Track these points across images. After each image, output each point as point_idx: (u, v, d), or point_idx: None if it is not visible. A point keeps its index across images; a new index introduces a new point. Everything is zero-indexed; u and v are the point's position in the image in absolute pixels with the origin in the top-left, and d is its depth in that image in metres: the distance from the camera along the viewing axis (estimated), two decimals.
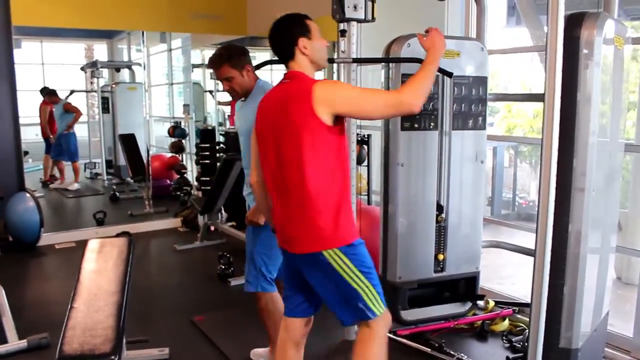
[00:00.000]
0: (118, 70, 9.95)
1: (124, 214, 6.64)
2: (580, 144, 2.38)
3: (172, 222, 6.40)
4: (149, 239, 5.94)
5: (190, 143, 7.43)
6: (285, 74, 2.23)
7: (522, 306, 3.60)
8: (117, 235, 4.75)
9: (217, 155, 6.28)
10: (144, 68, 7.26)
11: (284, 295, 2.41)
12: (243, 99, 2.80)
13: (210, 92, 9.18)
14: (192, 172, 7.13)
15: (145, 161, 7.06)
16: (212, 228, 5.87)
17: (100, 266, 2.79)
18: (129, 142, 7.44)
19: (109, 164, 9.11)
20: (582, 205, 2.41)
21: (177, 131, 7.30)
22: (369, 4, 2.86)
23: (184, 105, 7.37)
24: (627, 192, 5.10)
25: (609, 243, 2.84)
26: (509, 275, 5.31)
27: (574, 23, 2.31)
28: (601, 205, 2.58)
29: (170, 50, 8.42)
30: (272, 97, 2.22)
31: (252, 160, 2.36)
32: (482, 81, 3.32)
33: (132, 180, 7.81)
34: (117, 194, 7.63)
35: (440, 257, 3.35)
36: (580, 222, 2.43)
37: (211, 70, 2.84)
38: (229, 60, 2.69)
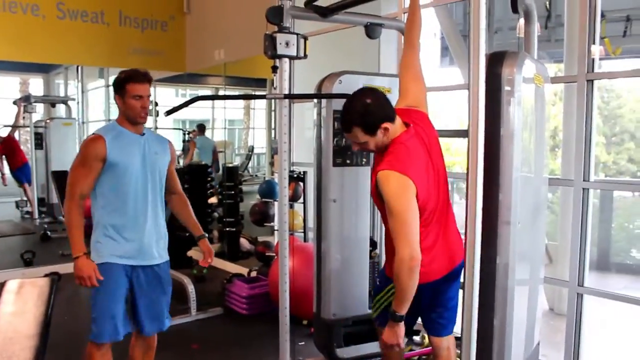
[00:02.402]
0: (54, 105, 9.68)
1: (55, 254, 6.32)
2: (505, 178, 2.43)
3: None
4: None
5: None
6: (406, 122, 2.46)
7: (457, 340, 3.60)
8: (45, 276, 4.53)
9: None
10: (78, 103, 7.08)
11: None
12: (143, 132, 2.80)
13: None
14: None
15: None
16: None
17: (18, 308, 2.65)
18: (62, 179, 7.16)
19: (41, 202, 8.78)
20: (508, 238, 2.45)
21: None
22: (302, 41, 2.87)
23: None
24: (557, 225, 5.27)
25: (537, 274, 2.90)
26: None
27: (495, 61, 2.40)
28: (528, 238, 2.64)
29: (108, 85, 8.28)
30: (415, 144, 2.40)
31: (415, 233, 2.23)
32: None
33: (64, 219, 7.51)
34: (49, 233, 7.32)
35: None
36: (508, 255, 2.46)
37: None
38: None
